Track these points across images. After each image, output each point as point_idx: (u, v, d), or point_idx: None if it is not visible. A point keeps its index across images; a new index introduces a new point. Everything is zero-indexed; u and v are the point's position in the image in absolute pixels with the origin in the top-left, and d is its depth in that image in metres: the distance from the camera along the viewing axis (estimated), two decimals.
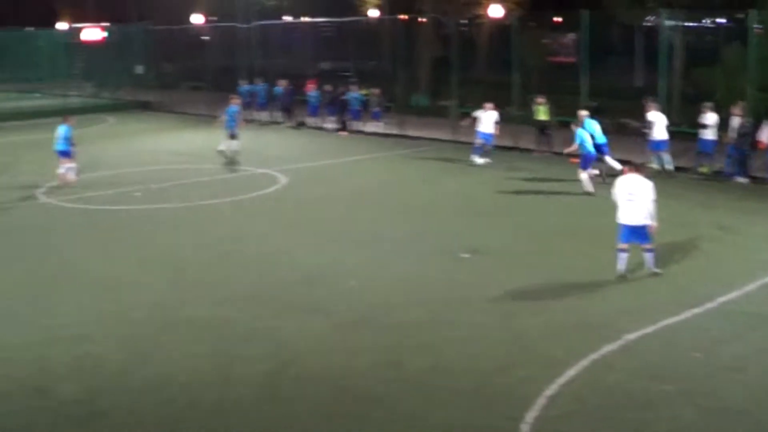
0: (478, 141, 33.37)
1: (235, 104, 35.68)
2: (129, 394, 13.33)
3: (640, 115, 31.88)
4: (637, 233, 18.32)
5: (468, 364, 14.18)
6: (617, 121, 41.60)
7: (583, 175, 27.38)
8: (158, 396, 13.28)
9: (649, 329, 15.47)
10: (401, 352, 14.72)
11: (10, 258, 21.28)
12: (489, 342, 15.17)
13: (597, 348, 14.54)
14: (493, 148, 33.63)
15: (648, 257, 18.51)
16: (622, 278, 18.23)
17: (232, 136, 34.85)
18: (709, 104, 30.05)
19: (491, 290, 17.92)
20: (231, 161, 34.44)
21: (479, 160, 33.14)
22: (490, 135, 33.35)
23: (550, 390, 12.97)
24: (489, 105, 33.74)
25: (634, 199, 18.25)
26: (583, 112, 29.17)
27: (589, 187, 26.98)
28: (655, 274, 18.42)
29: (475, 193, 28.39)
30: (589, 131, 28.22)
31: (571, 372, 13.62)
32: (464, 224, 23.84)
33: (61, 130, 29.96)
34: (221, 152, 34.93)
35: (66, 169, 30.11)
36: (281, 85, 47.63)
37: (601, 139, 29.00)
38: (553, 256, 20.44)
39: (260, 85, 49.16)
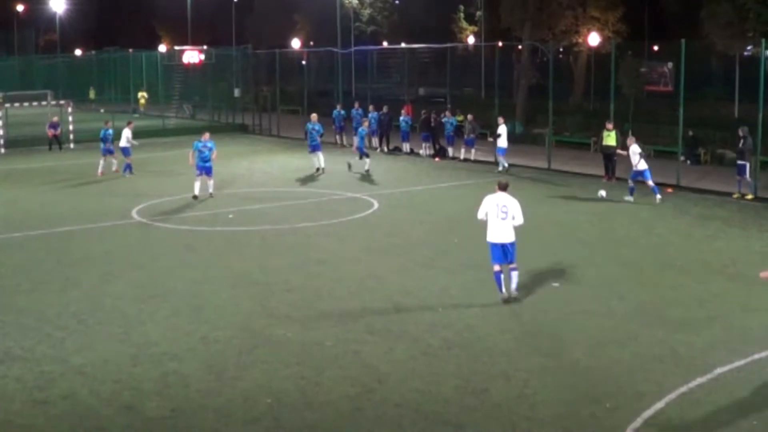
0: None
1: (313, 120, 39.19)
2: (214, 413, 13.41)
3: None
4: (507, 252, 18.62)
5: (553, 394, 14.00)
6: (714, 151, 41.16)
7: None
8: (243, 416, 13.33)
9: (741, 362, 15.18)
10: (486, 380, 14.62)
11: (101, 277, 21.58)
12: (576, 372, 14.98)
13: (687, 381, 14.29)
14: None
15: (514, 276, 18.84)
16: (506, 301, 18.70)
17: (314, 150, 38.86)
18: None
19: (580, 320, 17.77)
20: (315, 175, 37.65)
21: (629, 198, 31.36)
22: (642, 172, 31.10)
23: (636, 423, 12.76)
24: (631, 139, 31.63)
25: (507, 216, 18.46)
26: None
27: None
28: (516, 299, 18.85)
29: (569, 221, 28.19)
30: None
31: (659, 405, 13.39)
32: (559, 252, 23.67)
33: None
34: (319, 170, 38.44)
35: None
36: (382, 111, 47.88)
37: None
38: (646, 287, 20.16)
39: (358, 110, 49.39)
